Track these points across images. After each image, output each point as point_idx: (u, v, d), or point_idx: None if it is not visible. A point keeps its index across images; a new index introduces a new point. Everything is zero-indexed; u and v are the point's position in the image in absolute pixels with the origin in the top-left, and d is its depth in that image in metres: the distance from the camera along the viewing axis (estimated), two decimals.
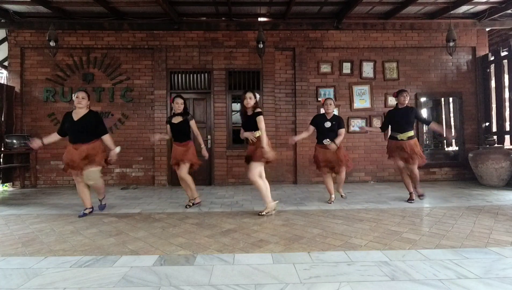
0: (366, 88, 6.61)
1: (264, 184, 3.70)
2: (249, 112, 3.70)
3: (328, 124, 4.26)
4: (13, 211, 4.12)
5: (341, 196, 4.62)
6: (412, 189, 4.47)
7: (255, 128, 3.63)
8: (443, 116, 7.33)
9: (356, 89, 6.61)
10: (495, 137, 6.21)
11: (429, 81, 6.68)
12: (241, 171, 6.36)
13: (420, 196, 4.50)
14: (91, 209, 3.87)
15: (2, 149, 5.95)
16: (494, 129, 6.42)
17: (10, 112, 6.19)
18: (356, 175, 6.56)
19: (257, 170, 3.65)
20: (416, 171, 4.34)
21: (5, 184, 6.22)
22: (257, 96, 3.74)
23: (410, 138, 4.29)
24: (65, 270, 2.18)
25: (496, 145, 6.03)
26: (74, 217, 3.72)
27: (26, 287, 1.94)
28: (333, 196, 4.45)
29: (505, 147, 5.95)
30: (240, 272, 2.10)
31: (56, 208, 4.28)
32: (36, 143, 3.61)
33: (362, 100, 6.60)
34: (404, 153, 4.26)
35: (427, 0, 5.87)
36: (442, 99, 7.21)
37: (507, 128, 6.21)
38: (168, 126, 4.20)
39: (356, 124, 6.54)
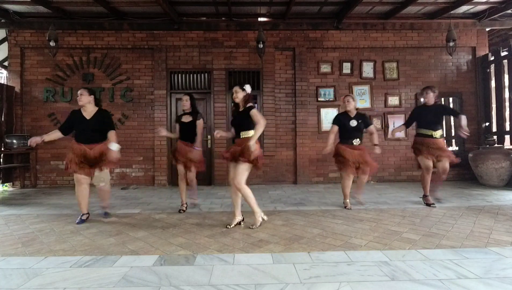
0: (366, 88, 6.61)
1: (250, 192, 3.22)
2: (241, 108, 3.35)
3: (353, 123, 4.02)
4: (13, 211, 4.12)
5: (360, 202, 4.20)
6: (428, 192, 4.23)
7: (247, 124, 3.21)
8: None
9: (356, 89, 6.61)
10: (495, 137, 6.20)
11: (429, 81, 6.67)
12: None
13: (436, 200, 4.27)
14: (87, 215, 3.64)
15: (2, 149, 5.95)
16: (494, 129, 6.42)
17: (10, 112, 6.19)
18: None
19: (245, 176, 3.16)
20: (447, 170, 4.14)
21: (5, 184, 6.22)
22: (246, 88, 3.32)
23: (441, 136, 4.19)
24: (65, 270, 2.18)
25: (496, 145, 6.02)
26: (74, 217, 3.71)
27: (26, 287, 1.94)
28: (348, 201, 4.12)
29: (505, 147, 5.95)
30: (240, 272, 2.10)
31: (56, 208, 4.29)
32: (34, 140, 3.39)
33: (362, 100, 6.59)
34: (435, 150, 4.11)
35: (427, 0, 5.87)
36: (442, 99, 7.18)
37: (507, 128, 6.21)
38: (178, 125, 4.03)
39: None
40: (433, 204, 4.13)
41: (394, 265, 2.19)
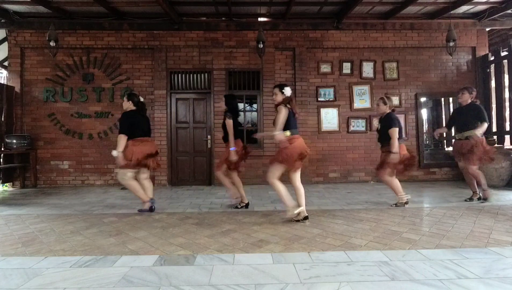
0: (366, 88, 6.61)
1: (282, 187, 3.33)
2: None
3: (378, 126, 4.03)
4: (13, 211, 4.12)
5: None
6: (475, 189, 4.29)
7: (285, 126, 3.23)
8: (443, 116, 7.32)
9: (356, 89, 6.61)
10: (495, 137, 6.20)
11: (429, 81, 6.68)
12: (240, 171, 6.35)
13: (483, 199, 4.23)
14: (149, 203, 3.92)
15: (2, 149, 5.95)
16: (494, 129, 6.42)
17: (10, 112, 6.18)
18: (356, 175, 6.56)
19: (275, 172, 3.29)
20: (473, 170, 4.10)
21: (5, 184, 6.22)
22: (286, 92, 3.26)
23: (469, 137, 4.08)
24: (65, 270, 2.18)
25: (496, 145, 6.02)
26: (74, 217, 3.72)
27: (26, 287, 1.94)
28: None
29: (505, 147, 5.94)
30: (240, 272, 2.10)
31: (56, 208, 4.28)
32: None
33: (362, 100, 6.59)
34: (461, 151, 4.18)
35: (427, 0, 5.87)
36: (442, 99, 7.20)
37: (507, 128, 6.21)
38: None
39: (356, 125, 6.54)
40: (472, 199, 4.29)
41: (394, 265, 2.19)
